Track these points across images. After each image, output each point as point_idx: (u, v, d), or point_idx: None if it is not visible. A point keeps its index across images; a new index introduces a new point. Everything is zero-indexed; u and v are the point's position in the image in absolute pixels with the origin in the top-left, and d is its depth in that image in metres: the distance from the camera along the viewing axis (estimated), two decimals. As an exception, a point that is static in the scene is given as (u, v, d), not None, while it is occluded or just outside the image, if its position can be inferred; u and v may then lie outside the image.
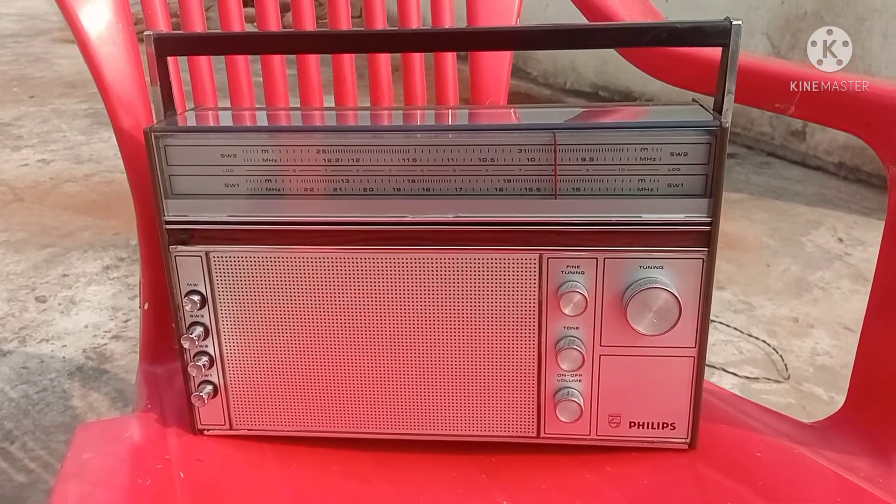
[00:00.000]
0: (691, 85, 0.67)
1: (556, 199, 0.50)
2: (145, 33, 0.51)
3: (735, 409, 0.58)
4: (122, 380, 1.36)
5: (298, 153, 0.50)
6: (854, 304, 1.65)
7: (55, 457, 1.16)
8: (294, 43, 0.53)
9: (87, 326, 1.54)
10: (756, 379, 1.39)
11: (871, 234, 2.00)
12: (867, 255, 1.88)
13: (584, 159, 0.49)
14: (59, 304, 1.63)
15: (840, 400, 1.37)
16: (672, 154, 0.48)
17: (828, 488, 0.51)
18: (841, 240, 1.98)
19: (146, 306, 0.65)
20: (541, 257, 0.51)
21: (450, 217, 0.50)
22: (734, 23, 0.47)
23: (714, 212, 0.49)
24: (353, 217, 0.51)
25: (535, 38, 0.51)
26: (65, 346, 1.47)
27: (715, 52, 0.62)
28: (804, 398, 1.34)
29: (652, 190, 0.49)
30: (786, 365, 1.43)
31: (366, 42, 0.51)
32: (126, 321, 1.56)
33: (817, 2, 2.37)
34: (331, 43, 0.53)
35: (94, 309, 1.61)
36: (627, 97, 3.12)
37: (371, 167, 0.50)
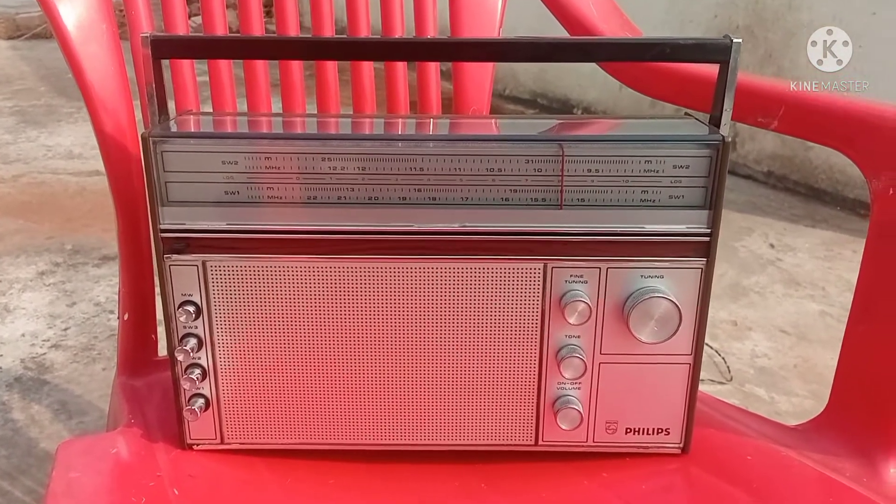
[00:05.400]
0: (670, 98, 0.69)
1: (561, 209, 0.50)
2: (141, 35, 0.49)
3: (722, 415, 0.60)
4: (64, 391, 1.31)
5: (303, 161, 0.49)
6: (788, 308, 1.72)
7: (-3, 473, 1.11)
8: (294, 48, 0.52)
9: (23, 335, 1.47)
10: (702, 381, 1.43)
11: (800, 239, 2.09)
12: (797, 261, 1.96)
13: (589, 171, 0.50)
14: (-8, 312, 1.56)
15: (780, 400, 1.43)
16: (675, 167, 0.49)
17: (816, 488, 0.53)
18: (772, 245, 2.06)
19: (126, 317, 0.62)
20: (545, 266, 0.51)
21: (455, 226, 0.50)
22: (734, 41, 0.49)
23: (714, 223, 0.50)
24: (357, 226, 0.50)
25: (539, 51, 0.51)
26: (1, 355, 1.40)
27: (696, 68, 0.64)
28: (747, 399, 1.39)
29: (654, 201, 0.50)
30: (728, 367, 1.48)
31: (376, 50, 0.50)
32: (65, 329, 1.49)
33: (748, 16, 2.46)
34: (333, 49, 0.52)
35: (31, 317, 1.54)
36: (565, 105, 3.18)
37: (377, 176, 0.50)
